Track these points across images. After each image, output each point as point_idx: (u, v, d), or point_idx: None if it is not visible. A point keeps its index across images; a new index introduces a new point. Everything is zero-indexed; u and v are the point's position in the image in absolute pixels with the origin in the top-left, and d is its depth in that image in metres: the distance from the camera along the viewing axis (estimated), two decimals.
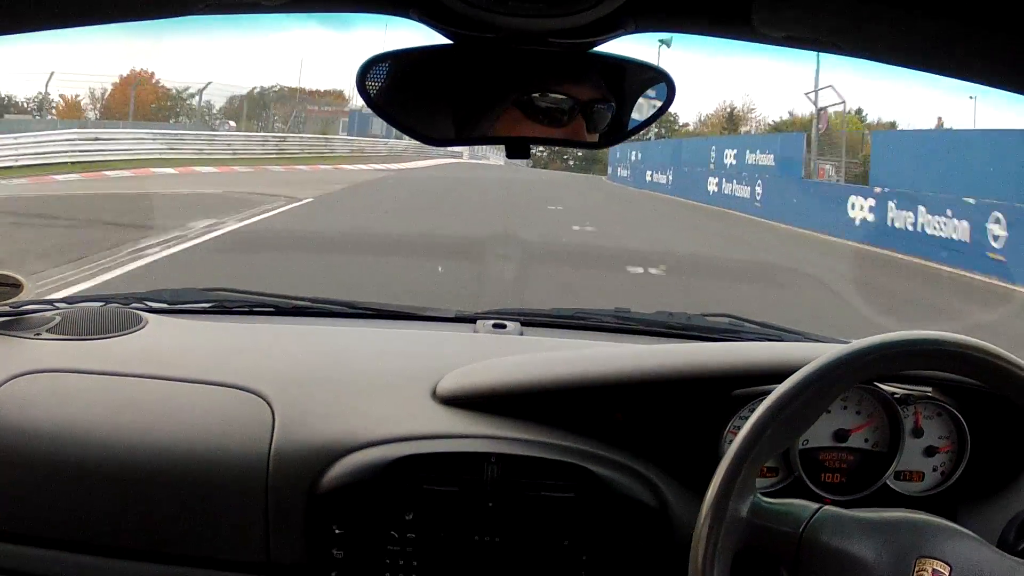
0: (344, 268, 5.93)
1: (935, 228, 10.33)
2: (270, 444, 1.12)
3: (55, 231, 7.37)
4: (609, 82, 0.81)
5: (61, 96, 25.58)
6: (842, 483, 1.17)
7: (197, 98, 25.62)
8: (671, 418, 1.17)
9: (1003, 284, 8.49)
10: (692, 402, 1.16)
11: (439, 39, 0.75)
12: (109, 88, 25.06)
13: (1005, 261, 8.88)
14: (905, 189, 11.16)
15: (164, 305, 1.54)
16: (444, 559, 1.10)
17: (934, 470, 1.19)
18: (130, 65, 26.67)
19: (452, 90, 0.80)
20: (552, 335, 1.57)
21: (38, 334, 1.33)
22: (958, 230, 9.87)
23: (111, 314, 1.42)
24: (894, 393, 1.17)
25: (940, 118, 18.15)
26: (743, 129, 28.30)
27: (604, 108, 0.81)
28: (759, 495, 0.91)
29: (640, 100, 0.83)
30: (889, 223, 11.28)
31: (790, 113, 27.46)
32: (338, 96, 31.52)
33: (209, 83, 24.73)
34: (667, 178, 21.37)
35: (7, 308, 1.36)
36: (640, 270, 7.04)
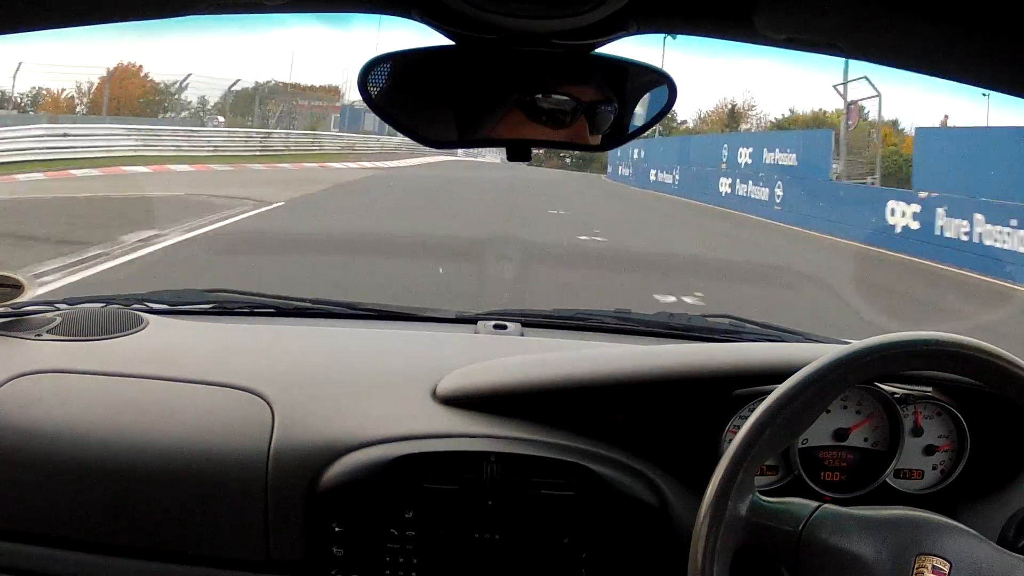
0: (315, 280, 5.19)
1: (995, 239, 9.09)
2: (270, 443, 1.12)
3: None
4: (611, 84, 0.80)
5: (47, 91, 24.62)
6: (842, 481, 1.17)
7: (183, 92, 24.74)
8: (671, 418, 1.16)
9: None
10: (692, 402, 1.16)
11: (440, 40, 0.75)
12: (96, 82, 24.02)
13: None
14: (957, 194, 9.89)
15: (165, 306, 1.53)
16: (444, 557, 1.10)
17: (934, 468, 1.19)
18: (119, 59, 25.53)
19: (454, 91, 0.79)
20: (553, 336, 1.56)
21: (39, 335, 1.32)
22: None
23: (112, 315, 1.41)
24: (894, 393, 1.17)
25: (946, 116, 17.26)
26: (744, 127, 27.96)
27: (607, 110, 0.80)
28: (758, 494, 0.91)
29: (641, 102, 0.82)
30: (938, 232, 10.02)
31: (791, 111, 27.13)
32: (329, 91, 30.71)
33: (190, 75, 23.59)
34: (673, 178, 20.20)
35: (8, 309, 1.36)
36: (671, 299, 5.75)
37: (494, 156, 27.71)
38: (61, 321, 1.36)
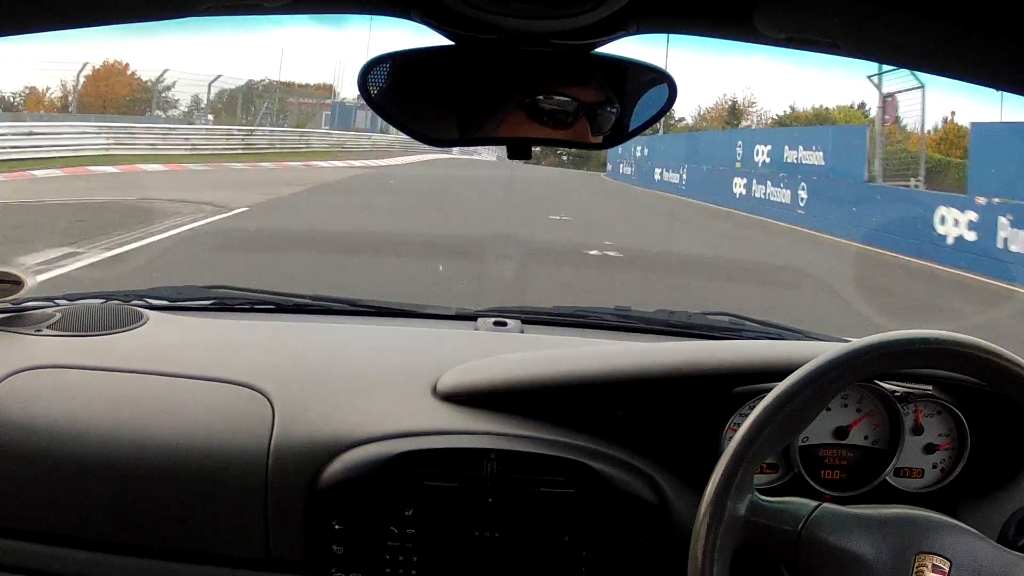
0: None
1: None
2: (270, 440, 1.12)
3: None
4: (611, 83, 0.80)
5: (32, 88, 23.98)
6: (842, 480, 1.17)
7: (170, 90, 24.14)
8: (671, 415, 1.16)
9: None
10: (692, 399, 1.16)
11: (439, 40, 0.75)
12: (82, 80, 22.99)
13: None
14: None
15: (165, 302, 1.53)
16: (444, 554, 1.10)
17: (934, 467, 1.19)
18: (104, 56, 24.75)
19: (454, 91, 0.79)
20: (553, 333, 1.55)
21: (39, 330, 1.32)
22: None
23: (112, 311, 1.41)
24: (894, 391, 1.16)
25: (953, 113, 16.26)
26: (744, 124, 27.20)
27: (608, 110, 0.80)
28: (757, 493, 0.91)
29: (642, 100, 0.82)
30: (1001, 245, 8.72)
31: (791, 108, 26.56)
32: (319, 88, 29.86)
33: (166, 70, 22.80)
34: (680, 177, 18.86)
35: (8, 304, 1.36)
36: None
37: (490, 154, 27.65)
38: (61, 317, 1.36)
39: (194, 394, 1.17)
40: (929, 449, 1.17)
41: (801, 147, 13.68)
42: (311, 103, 29.05)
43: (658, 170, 20.28)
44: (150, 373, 1.20)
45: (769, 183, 14.25)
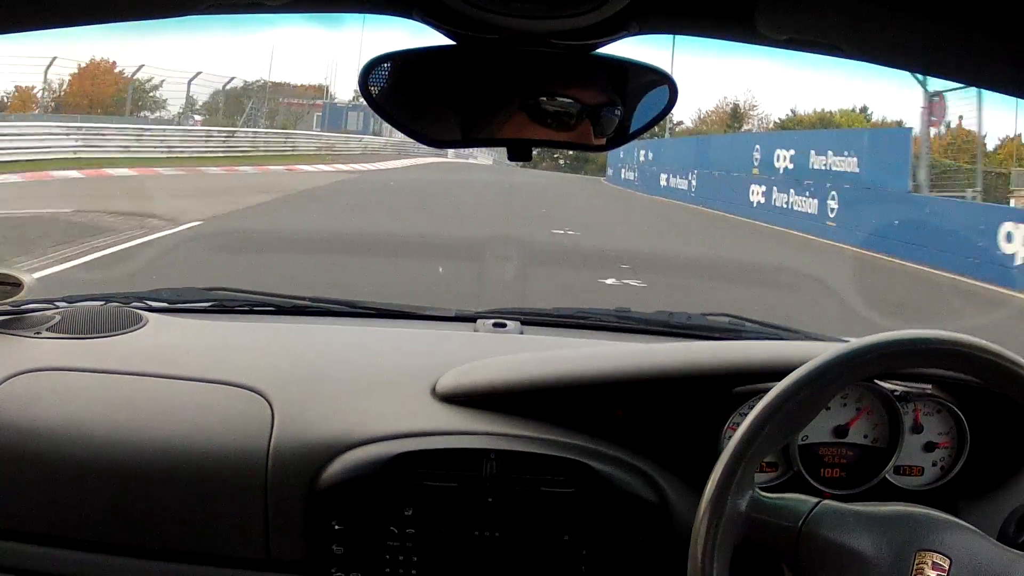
0: None
1: None
2: (269, 441, 1.12)
3: None
4: (612, 84, 0.80)
5: (16, 87, 22.57)
6: (842, 478, 1.17)
7: (157, 91, 23.18)
8: (671, 415, 1.16)
9: None
10: (692, 399, 1.16)
11: (440, 40, 0.75)
12: (67, 79, 22.41)
13: None
14: None
15: (164, 304, 1.53)
16: (443, 554, 1.10)
17: (934, 465, 1.19)
18: (96, 54, 23.82)
19: (456, 91, 0.79)
20: (552, 334, 1.56)
21: (38, 332, 1.32)
22: None
23: (111, 313, 1.41)
24: (894, 390, 1.16)
25: (960, 117, 15.15)
26: (745, 127, 27.04)
27: (611, 112, 0.80)
28: (758, 490, 0.91)
29: (642, 102, 0.81)
30: None
31: (792, 111, 26.20)
32: (310, 89, 29.03)
33: (142, 66, 21.81)
34: (689, 183, 17.58)
35: (7, 307, 1.35)
36: None
37: (486, 157, 26.87)
38: (60, 319, 1.36)
39: (194, 396, 1.18)
40: (929, 447, 1.18)
41: (831, 152, 12.44)
42: (300, 104, 28.22)
43: (664, 176, 19.11)
44: (150, 375, 1.21)
45: (792, 191, 13.02)
